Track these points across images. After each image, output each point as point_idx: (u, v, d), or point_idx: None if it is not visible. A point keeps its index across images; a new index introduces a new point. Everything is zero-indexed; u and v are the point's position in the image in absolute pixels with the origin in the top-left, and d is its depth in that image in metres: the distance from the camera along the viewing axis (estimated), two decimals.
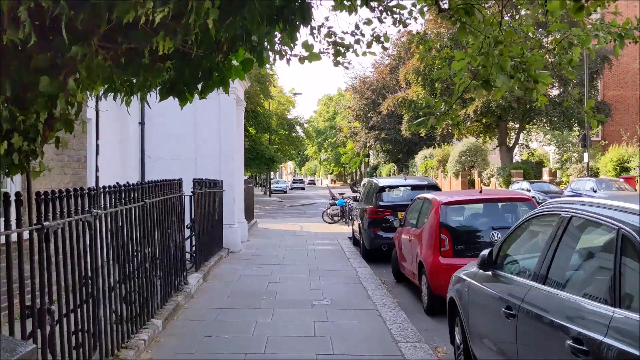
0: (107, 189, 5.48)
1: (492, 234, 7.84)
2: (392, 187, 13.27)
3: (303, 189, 79.83)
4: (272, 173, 79.75)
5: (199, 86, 4.32)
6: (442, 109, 4.37)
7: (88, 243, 4.99)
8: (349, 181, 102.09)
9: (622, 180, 26.14)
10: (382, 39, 3.99)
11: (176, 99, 4.47)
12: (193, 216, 9.96)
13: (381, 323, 7.23)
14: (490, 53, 3.59)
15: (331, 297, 8.67)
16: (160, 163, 13.42)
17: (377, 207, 12.64)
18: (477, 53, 3.75)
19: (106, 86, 3.93)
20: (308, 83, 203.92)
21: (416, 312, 8.36)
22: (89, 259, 4.94)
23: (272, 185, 57.35)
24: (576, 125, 39.13)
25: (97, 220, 5.15)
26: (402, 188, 13.17)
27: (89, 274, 4.94)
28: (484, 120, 43.40)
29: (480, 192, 8.45)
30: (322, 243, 15.54)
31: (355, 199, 15.95)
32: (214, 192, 12.22)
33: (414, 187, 13.17)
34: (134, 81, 3.97)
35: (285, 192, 63.74)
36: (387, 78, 65.50)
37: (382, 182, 13.46)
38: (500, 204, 8.36)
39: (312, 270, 11.10)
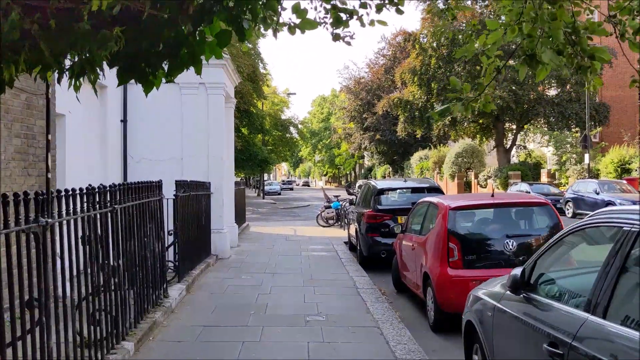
0: (62, 194, 4.63)
1: (507, 243, 7.03)
2: (391, 190, 12.43)
3: (292, 189, 79.81)
4: (265, 175, 78.91)
5: (165, 66, 3.50)
6: (471, 94, 3.53)
7: (36, 258, 4.14)
8: (343, 183, 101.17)
9: (625, 182, 25.44)
10: (396, 0, 3.16)
11: (151, 89, 3.68)
12: (176, 222, 9.10)
13: (383, 343, 6.41)
14: (539, 17, 2.77)
15: (327, 311, 7.84)
16: (144, 164, 12.57)
17: (375, 211, 11.81)
18: (516, 22, 2.95)
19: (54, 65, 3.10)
20: (302, 84, 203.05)
21: (421, 328, 7.54)
22: (35, 278, 4.09)
23: (265, 187, 56.41)
24: (574, 125, 38.49)
25: (48, 231, 4.30)
26: (402, 191, 12.34)
27: (36, 295, 4.09)
28: (480, 121, 42.74)
29: (492, 195, 7.63)
30: (317, 249, 14.71)
31: (351, 202, 15.09)
32: (201, 195, 11.37)
33: (415, 190, 12.35)
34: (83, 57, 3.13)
35: (279, 193, 62.87)
36: (382, 79, 64.83)
37: (381, 184, 12.62)
38: (514, 209, 7.55)
39: (306, 279, 10.27)
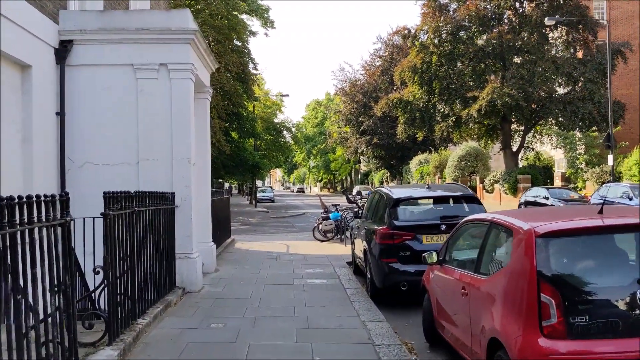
0: None
1: None
2: (412, 200, 9.46)
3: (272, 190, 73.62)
4: (260, 182, 75.76)
5: None
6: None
7: None
8: (339, 189, 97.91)
9: None
10: None
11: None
12: (106, 254, 6.14)
13: None
14: None
15: None
16: (89, 170, 9.66)
17: (391, 228, 8.87)
18: None
19: None
20: (295, 89, 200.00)
21: None
22: None
23: (258, 194, 53.32)
24: (586, 126, 35.76)
25: None
26: (426, 201, 9.39)
27: None
28: (485, 122, 39.98)
29: (601, 212, 4.72)
30: (314, 274, 11.74)
31: (356, 215, 12.07)
32: (159, 210, 8.44)
33: (443, 200, 9.41)
34: None
35: (273, 201, 59.74)
36: (378, 80, 62.19)
37: (397, 192, 9.61)
38: None
39: (301, 328, 7.31)
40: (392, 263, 8.79)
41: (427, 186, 9.84)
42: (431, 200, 9.36)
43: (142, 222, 7.56)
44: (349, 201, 20.63)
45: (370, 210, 10.77)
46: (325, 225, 17.90)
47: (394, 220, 8.99)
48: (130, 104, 9.73)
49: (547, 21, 29.66)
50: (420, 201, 9.43)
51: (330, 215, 18.16)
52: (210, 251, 12.00)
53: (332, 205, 19.81)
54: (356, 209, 12.76)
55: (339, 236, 17.95)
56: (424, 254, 6.62)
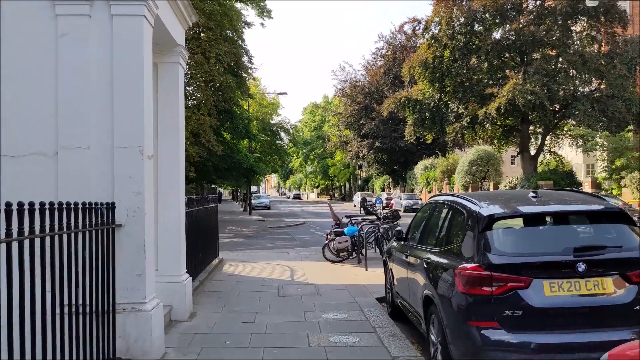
0: None
1: None
2: (517, 218, 5.58)
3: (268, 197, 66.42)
4: (255, 187, 71.70)
5: None
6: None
7: None
8: (337, 195, 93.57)
9: None
10: None
11: None
12: None
13: None
14: None
15: None
16: None
17: (487, 267, 5.05)
18: None
19: None
20: (292, 92, 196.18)
21: None
22: None
23: (252, 201, 49.35)
24: (615, 126, 32.25)
25: None
26: (541, 219, 5.53)
27: None
28: (500, 123, 36.37)
29: None
30: (337, 323, 7.91)
31: (399, 236, 8.08)
32: (77, 236, 4.63)
33: (568, 218, 5.59)
34: None
35: (269, 208, 55.78)
36: (380, 81, 58.64)
37: (486, 206, 5.53)
38: None
39: None
40: (489, 329, 4.97)
41: (532, 193, 5.89)
42: (550, 219, 5.52)
43: (30, 260, 3.76)
44: (368, 212, 16.80)
45: (426, 232, 6.94)
46: (340, 242, 14.07)
47: (487, 252, 5.17)
48: (45, 58, 5.93)
49: (589, 3, 26.04)
50: (531, 219, 5.57)
51: (345, 230, 14.35)
52: (183, 288, 8.13)
53: (347, 217, 15.96)
54: (399, 228, 8.86)
55: (354, 255, 14.19)
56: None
